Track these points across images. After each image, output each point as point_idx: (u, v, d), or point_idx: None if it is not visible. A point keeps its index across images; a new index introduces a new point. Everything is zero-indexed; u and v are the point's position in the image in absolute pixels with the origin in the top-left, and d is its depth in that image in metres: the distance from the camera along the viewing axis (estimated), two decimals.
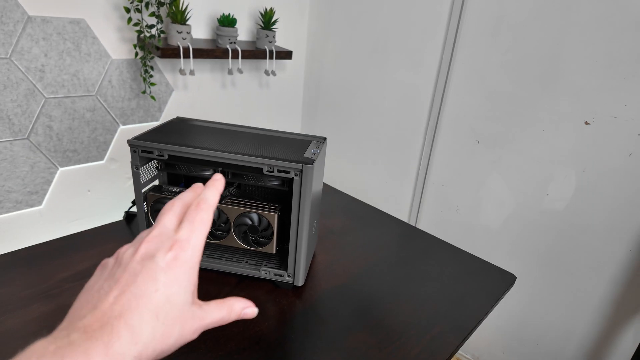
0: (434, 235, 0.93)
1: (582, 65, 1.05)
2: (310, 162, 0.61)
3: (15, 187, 1.14)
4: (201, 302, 0.31)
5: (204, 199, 0.33)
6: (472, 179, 1.33)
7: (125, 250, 0.30)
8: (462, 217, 1.38)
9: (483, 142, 1.28)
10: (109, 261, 0.30)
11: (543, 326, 1.27)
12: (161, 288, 0.27)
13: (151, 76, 1.24)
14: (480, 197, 1.32)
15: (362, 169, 1.64)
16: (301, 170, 0.61)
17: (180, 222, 0.32)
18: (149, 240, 0.30)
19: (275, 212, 0.67)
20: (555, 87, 1.10)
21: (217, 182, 0.35)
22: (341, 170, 1.71)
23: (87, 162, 1.26)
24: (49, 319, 0.59)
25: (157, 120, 1.38)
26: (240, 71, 1.39)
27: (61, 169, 1.21)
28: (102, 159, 1.29)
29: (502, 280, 0.79)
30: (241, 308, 0.32)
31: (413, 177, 1.48)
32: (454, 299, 0.72)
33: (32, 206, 1.19)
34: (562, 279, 1.20)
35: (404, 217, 1.55)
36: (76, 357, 0.23)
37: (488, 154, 1.27)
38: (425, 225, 1.49)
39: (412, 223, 1.53)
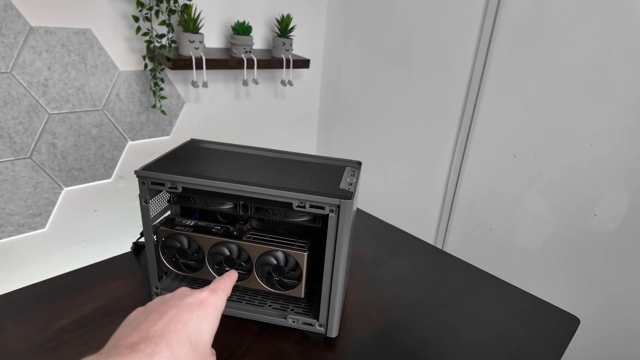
0: (465, 256, 0.83)
1: (636, 72, 0.94)
2: (349, 196, 0.51)
3: (17, 210, 1.06)
4: None
5: (227, 274, 0.42)
6: (507, 195, 1.22)
7: (166, 295, 0.36)
8: (496, 237, 1.27)
9: (520, 156, 1.17)
10: (150, 303, 0.35)
11: None
12: (195, 319, 0.32)
13: (161, 89, 1.16)
14: (517, 215, 1.21)
15: (385, 184, 1.54)
16: (338, 206, 0.51)
17: None
18: (185, 288, 0.37)
19: (305, 251, 0.58)
20: (604, 96, 1.00)
21: (233, 274, 0.44)
22: (362, 186, 1.61)
23: (93, 180, 1.18)
24: None
25: (167, 135, 1.30)
26: (255, 82, 1.31)
27: (66, 189, 1.14)
28: (109, 177, 1.21)
29: (563, 324, 0.68)
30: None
31: (441, 192, 1.38)
32: (512, 349, 0.61)
33: (35, 229, 1.11)
34: (611, 309, 1.08)
35: (430, 235, 1.44)
36: None
37: (526, 168, 1.16)
38: (454, 244, 1.39)
39: (440, 242, 1.42)
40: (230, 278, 0.41)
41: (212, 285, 0.37)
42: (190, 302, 0.33)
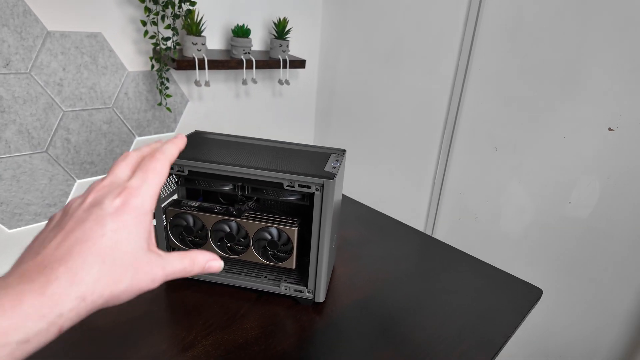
0: (452, 244, 0.91)
1: (605, 69, 1.02)
2: (331, 176, 0.60)
3: (34, 200, 1.15)
4: (161, 252, 0.29)
5: (160, 150, 0.32)
6: (490, 186, 1.30)
7: (74, 201, 0.29)
8: (480, 225, 1.35)
9: (502, 149, 1.25)
10: (57, 214, 0.29)
11: (568, 339, 1.24)
12: (108, 233, 0.26)
13: (167, 88, 1.24)
14: (500, 204, 1.29)
15: (377, 177, 1.62)
16: (322, 185, 0.60)
17: (133, 172, 0.31)
18: (99, 189, 0.29)
19: (295, 227, 0.66)
20: (577, 91, 1.08)
21: (178, 139, 0.35)
22: (355, 179, 1.69)
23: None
24: (73, 340, 0.59)
25: (172, 132, 1.38)
26: (254, 81, 1.39)
27: (78, 181, 1.22)
28: None
29: (528, 294, 0.77)
30: (205, 260, 0.31)
31: (429, 184, 1.46)
32: (479, 314, 0.70)
33: None
34: (587, 289, 1.17)
35: (420, 225, 1.53)
36: (7, 298, 0.22)
37: (507, 160, 1.25)
38: (442, 233, 1.47)
39: (429, 231, 1.50)
40: (163, 156, 0.32)
41: (133, 180, 0.29)
42: (101, 214, 0.27)
